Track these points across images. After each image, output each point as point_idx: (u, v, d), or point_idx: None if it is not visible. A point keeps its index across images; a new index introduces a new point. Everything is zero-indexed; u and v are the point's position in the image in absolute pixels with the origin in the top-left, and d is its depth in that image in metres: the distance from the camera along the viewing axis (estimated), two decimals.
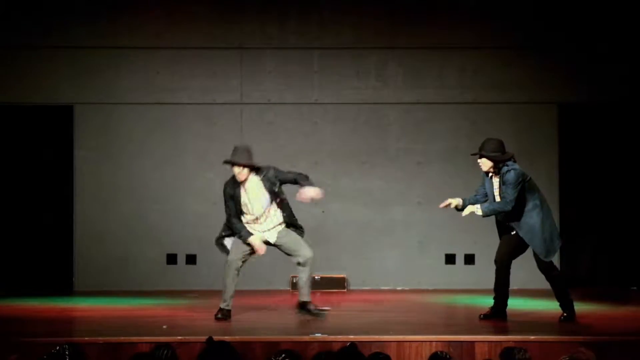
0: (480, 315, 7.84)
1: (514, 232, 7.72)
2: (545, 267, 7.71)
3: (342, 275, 10.57)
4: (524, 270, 10.47)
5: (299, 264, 7.82)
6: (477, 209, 7.60)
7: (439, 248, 10.75)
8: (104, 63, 10.68)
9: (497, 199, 7.65)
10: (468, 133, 10.71)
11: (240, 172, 7.72)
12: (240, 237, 7.80)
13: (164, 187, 10.67)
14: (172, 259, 10.66)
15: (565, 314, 7.72)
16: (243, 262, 7.84)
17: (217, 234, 8.04)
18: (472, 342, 6.52)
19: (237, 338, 6.58)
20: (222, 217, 10.61)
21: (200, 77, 10.72)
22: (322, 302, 9.33)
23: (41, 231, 10.63)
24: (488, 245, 10.60)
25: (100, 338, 6.64)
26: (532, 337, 6.58)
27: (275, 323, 7.64)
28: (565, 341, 6.50)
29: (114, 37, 10.68)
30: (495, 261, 7.84)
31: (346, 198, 10.68)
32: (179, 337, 6.58)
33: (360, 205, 10.77)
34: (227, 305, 7.84)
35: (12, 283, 10.37)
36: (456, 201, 7.77)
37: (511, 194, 7.50)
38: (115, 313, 8.57)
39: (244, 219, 7.85)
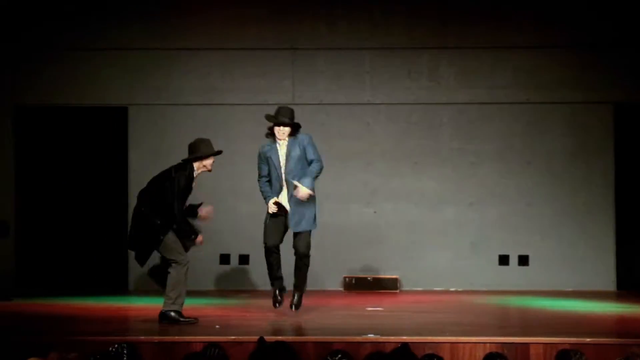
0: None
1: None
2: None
3: (394, 276, 10.54)
4: (580, 272, 10.41)
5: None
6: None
7: (492, 249, 10.66)
8: (157, 64, 10.78)
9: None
10: (521, 133, 10.63)
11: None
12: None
13: (216, 188, 10.71)
14: (225, 259, 10.71)
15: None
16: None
17: None
18: (527, 344, 6.46)
19: (290, 338, 6.59)
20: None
21: (252, 78, 10.76)
22: (374, 302, 9.32)
23: (97, 231, 10.76)
24: (542, 246, 10.54)
25: (155, 337, 6.70)
26: (588, 340, 6.50)
27: (327, 323, 7.62)
28: (621, 343, 6.41)
29: (167, 38, 10.77)
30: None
31: (398, 198, 10.65)
32: (232, 337, 6.60)
33: (412, 205, 10.73)
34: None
35: (69, 282, 10.54)
36: (274, 200, 7.88)
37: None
38: None
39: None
